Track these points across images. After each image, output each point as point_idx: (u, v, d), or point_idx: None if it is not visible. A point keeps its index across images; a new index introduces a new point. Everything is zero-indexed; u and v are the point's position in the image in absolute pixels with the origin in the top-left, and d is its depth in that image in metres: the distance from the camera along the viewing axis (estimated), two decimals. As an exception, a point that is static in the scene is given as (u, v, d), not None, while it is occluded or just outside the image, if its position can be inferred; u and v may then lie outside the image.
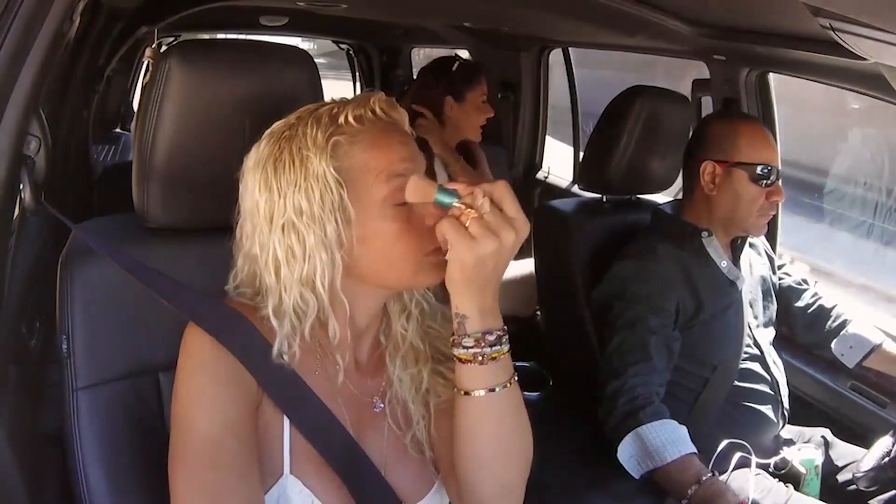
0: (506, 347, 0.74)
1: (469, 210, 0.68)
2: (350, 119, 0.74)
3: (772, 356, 1.54)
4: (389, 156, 0.75)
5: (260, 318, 0.78)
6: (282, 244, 0.74)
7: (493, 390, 0.73)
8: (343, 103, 0.76)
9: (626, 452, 1.33)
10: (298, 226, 0.73)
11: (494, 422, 0.75)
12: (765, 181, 1.43)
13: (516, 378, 0.76)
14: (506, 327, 0.74)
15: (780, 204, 1.49)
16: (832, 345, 1.59)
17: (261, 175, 0.75)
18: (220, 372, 0.74)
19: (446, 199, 0.69)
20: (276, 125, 0.78)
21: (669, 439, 1.30)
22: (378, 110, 0.76)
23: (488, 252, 0.67)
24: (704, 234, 1.48)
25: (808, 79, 1.74)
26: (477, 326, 0.72)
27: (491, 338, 0.72)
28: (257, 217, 0.75)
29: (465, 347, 0.72)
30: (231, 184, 0.79)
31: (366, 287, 0.80)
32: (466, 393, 0.74)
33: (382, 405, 0.85)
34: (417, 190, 0.72)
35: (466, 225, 0.68)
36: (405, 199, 0.74)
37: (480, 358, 0.72)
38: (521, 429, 0.78)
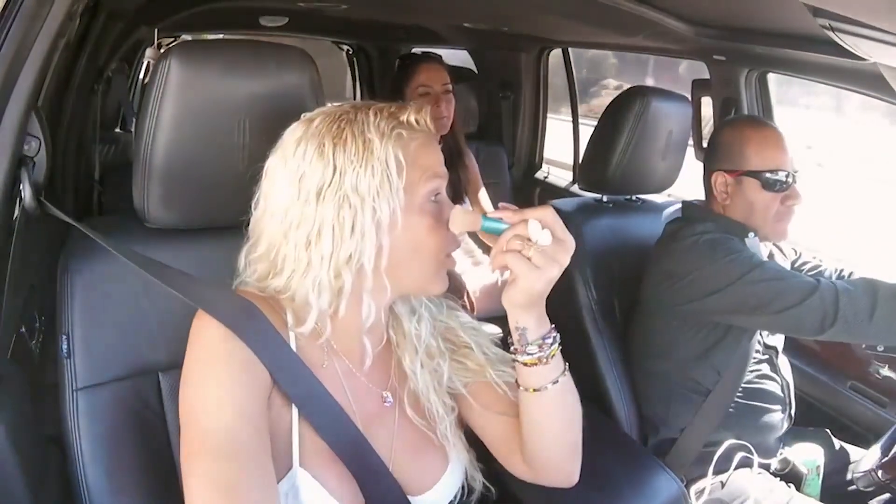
0: (559, 342, 0.82)
1: (529, 242, 0.74)
2: (411, 119, 0.79)
3: (781, 357, 1.53)
4: (434, 158, 0.81)
5: (270, 307, 0.79)
6: (328, 219, 0.75)
7: (556, 382, 0.83)
8: (400, 105, 0.81)
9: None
10: (354, 203, 0.75)
11: (560, 405, 0.85)
12: (777, 186, 1.40)
13: (567, 365, 0.85)
14: (553, 325, 0.82)
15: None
16: None
17: (316, 149, 0.76)
18: (233, 362, 0.73)
19: (495, 226, 0.77)
20: (328, 108, 0.80)
21: None
22: (426, 121, 0.81)
23: (553, 277, 0.75)
24: (751, 234, 1.43)
25: (808, 79, 1.74)
26: (537, 334, 0.80)
27: (549, 340, 0.81)
28: (296, 189, 0.76)
29: (529, 354, 0.81)
30: (231, 184, 0.79)
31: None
32: (535, 390, 0.82)
33: (392, 399, 0.87)
34: (463, 221, 0.79)
35: (529, 256, 0.74)
36: (439, 195, 0.80)
37: (545, 360, 0.81)
38: (577, 401, 0.87)
